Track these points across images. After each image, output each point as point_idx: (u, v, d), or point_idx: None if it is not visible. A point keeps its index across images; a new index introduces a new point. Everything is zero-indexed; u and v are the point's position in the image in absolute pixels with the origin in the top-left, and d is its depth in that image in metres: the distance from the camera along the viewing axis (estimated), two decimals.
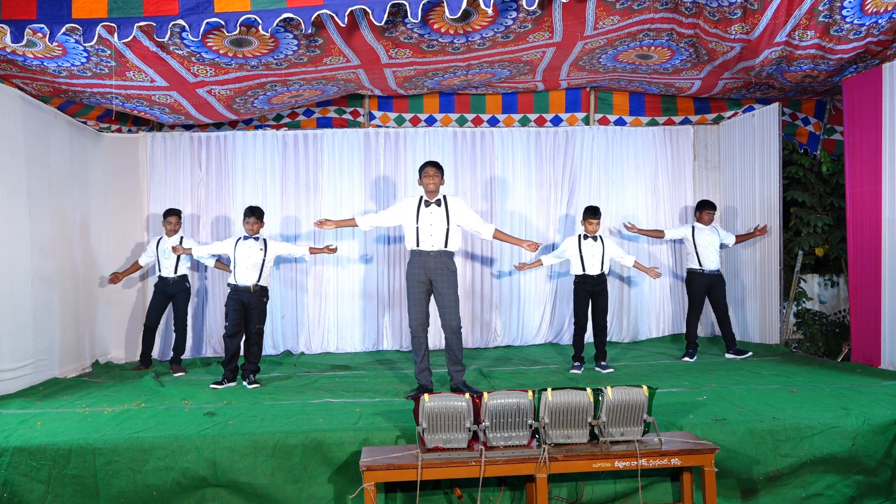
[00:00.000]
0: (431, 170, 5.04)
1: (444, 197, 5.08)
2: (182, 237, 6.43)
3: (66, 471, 3.74)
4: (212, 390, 5.29)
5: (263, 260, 5.58)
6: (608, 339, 6.78)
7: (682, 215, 7.83)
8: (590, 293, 5.91)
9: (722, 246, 6.57)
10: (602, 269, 5.91)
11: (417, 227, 4.98)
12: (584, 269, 5.91)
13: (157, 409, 4.60)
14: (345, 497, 3.73)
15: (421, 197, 5.07)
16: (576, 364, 5.91)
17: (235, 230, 7.15)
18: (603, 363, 5.93)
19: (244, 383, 5.50)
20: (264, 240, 5.67)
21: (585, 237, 5.94)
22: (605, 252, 5.92)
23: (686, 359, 6.35)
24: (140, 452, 3.77)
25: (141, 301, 7.19)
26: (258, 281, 5.56)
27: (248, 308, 5.54)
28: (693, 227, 6.56)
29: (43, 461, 3.74)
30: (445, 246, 5.00)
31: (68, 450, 3.76)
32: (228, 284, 5.62)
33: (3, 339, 5.15)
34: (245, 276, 5.53)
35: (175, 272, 6.36)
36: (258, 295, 5.57)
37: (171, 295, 6.40)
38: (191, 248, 6.12)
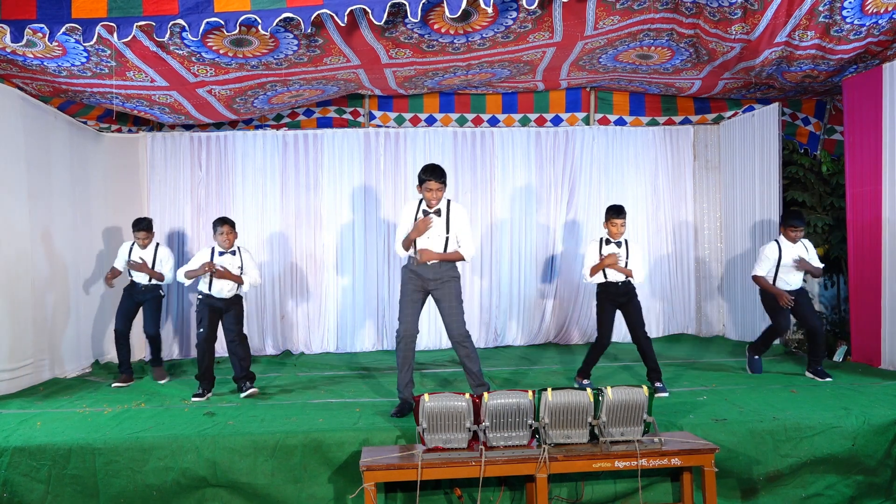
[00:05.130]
0: (434, 184, 4.34)
1: (448, 203, 4.48)
2: (158, 244, 5.86)
3: (66, 471, 3.74)
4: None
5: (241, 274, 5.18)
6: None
7: (683, 216, 7.84)
8: (615, 304, 5.10)
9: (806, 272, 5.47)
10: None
11: (414, 239, 4.42)
12: (605, 277, 5.07)
13: (157, 409, 4.61)
14: (345, 497, 3.73)
15: (420, 203, 4.49)
16: (581, 381, 5.25)
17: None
18: (658, 385, 4.93)
19: (241, 395, 5.05)
20: (238, 249, 5.22)
21: (608, 241, 5.10)
22: (631, 258, 5.08)
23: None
24: (140, 452, 3.78)
25: None
26: (235, 291, 5.21)
27: (223, 312, 5.18)
28: (778, 243, 5.40)
29: (43, 461, 3.75)
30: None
31: (68, 450, 3.77)
32: (200, 292, 5.17)
33: (3, 339, 5.15)
34: (221, 288, 5.13)
35: (149, 279, 5.77)
36: (233, 301, 5.20)
37: (140, 301, 5.82)
38: (163, 275, 5.71)
